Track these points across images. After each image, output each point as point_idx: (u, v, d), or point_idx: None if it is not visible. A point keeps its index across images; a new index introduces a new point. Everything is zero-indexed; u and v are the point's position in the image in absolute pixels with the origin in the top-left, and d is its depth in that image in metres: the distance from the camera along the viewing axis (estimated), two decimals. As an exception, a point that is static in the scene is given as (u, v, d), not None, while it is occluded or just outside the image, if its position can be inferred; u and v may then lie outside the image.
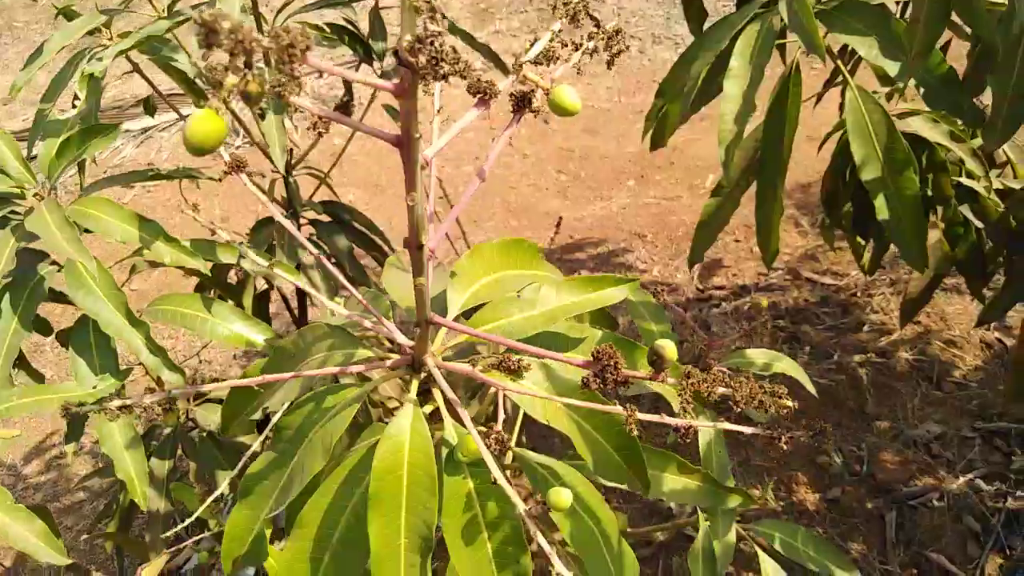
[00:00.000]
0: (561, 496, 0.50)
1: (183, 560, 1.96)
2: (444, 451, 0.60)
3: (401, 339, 0.64)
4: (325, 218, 1.59)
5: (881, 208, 1.20)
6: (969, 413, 2.42)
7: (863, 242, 1.59)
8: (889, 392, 2.46)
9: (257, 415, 0.70)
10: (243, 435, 0.68)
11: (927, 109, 1.42)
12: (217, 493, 1.24)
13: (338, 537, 0.60)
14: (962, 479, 2.19)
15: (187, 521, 1.19)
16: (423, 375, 0.62)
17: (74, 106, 1.24)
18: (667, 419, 0.48)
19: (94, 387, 1.15)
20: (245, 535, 0.63)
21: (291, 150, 1.54)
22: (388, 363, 0.62)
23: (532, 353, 0.53)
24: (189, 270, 1.53)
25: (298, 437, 0.62)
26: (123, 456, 1.16)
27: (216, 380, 0.60)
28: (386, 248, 1.68)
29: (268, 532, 0.63)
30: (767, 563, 0.93)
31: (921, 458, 2.28)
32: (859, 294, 2.74)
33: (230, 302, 1.33)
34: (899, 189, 1.19)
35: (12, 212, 1.19)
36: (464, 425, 0.55)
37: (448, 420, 0.61)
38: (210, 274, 1.23)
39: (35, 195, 1.15)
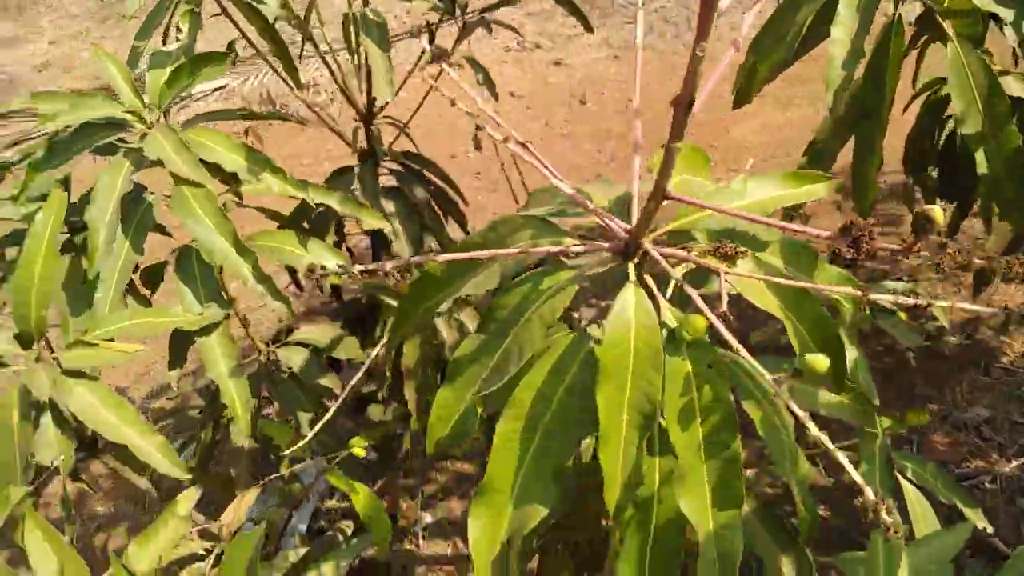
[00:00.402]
0: (819, 360, 0.52)
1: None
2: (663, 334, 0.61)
3: (617, 224, 0.64)
4: (405, 168, 1.60)
5: (981, 163, 1.20)
6: (1018, 399, 2.41)
7: (945, 206, 1.59)
8: (937, 376, 2.46)
9: (445, 306, 0.70)
10: (413, 335, 0.68)
11: (1018, 70, 1.42)
12: (310, 436, 1.25)
13: (550, 416, 0.61)
14: (1015, 463, 2.18)
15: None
16: (636, 260, 0.62)
17: (176, 39, 1.26)
18: (903, 299, 0.49)
19: (200, 314, 1.17)
20: (449, 416, 0.64)
21: (372, 99, 1.55)
22: (605, 246, 0.62)
23: (775, 226, 0.54)
24: (270, 215, 1.54)
25: (513, 317, 0.62)
26: (227, 383, 1.18)
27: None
28: (461, 205, 1.69)
29: (479, 410, 0.63)
30: (909, 488, 0.95)
31: (972, 440, 2.27)
32: (905, 279, 2.73)
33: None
34: (1000, 143, 1.19)
35: (120, 140, 1.20)
36: (693, 306, 0.55)
37: (663, 304, 0.61)
38: (311, 205, 1.24)
39: (146, 122, 1.16)
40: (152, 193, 1.26)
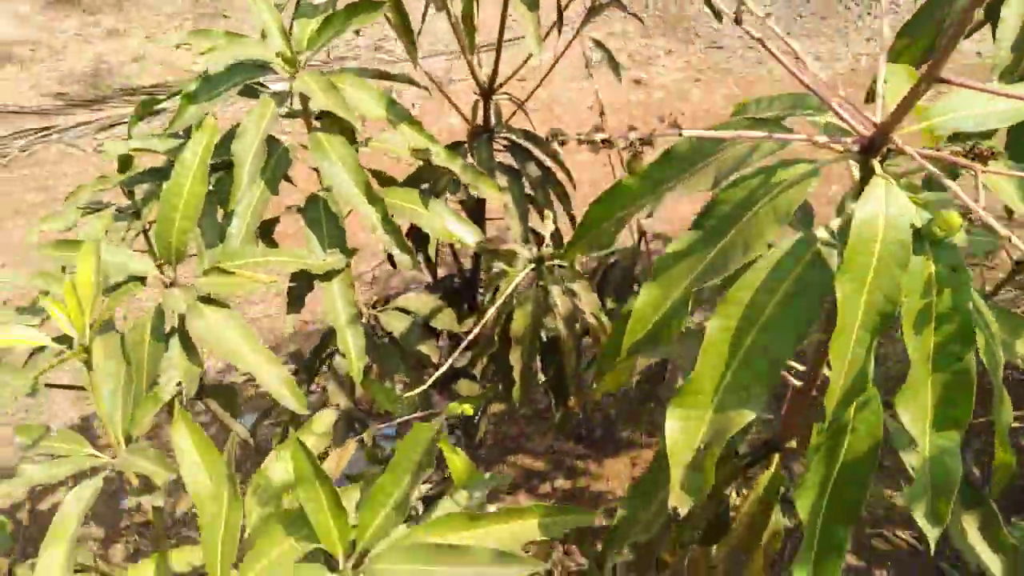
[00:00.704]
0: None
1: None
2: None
3: (861, 119, 0.60)
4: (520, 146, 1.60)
5: None
6: None
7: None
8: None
9: (643, 213, 0.68)
10: (604, 246, 0.66)
11: None
12: (422, 389, 1.24)
13: (766, 319, 0.58)
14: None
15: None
16: (880, 157, 0.59)
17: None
18: None
19: (324, 260, 1.17)
20: (652, 315, 0.62)
21: (495, 74, 1.56)
22: (848, 140, 0.59)
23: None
24: (382, 181, 1.55)
25: (738, 212, 0.59)
26: (345, 331, 1.18)
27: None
28: (569, 188, 1.67)
29: (686, 311, 0.61)
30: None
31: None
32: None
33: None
34: None
35: (259, 84, 1.23)
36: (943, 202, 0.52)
37: (908, 201, 0.58)
38: (441, 167, 1.25)
39: (295, 65, 1.18)
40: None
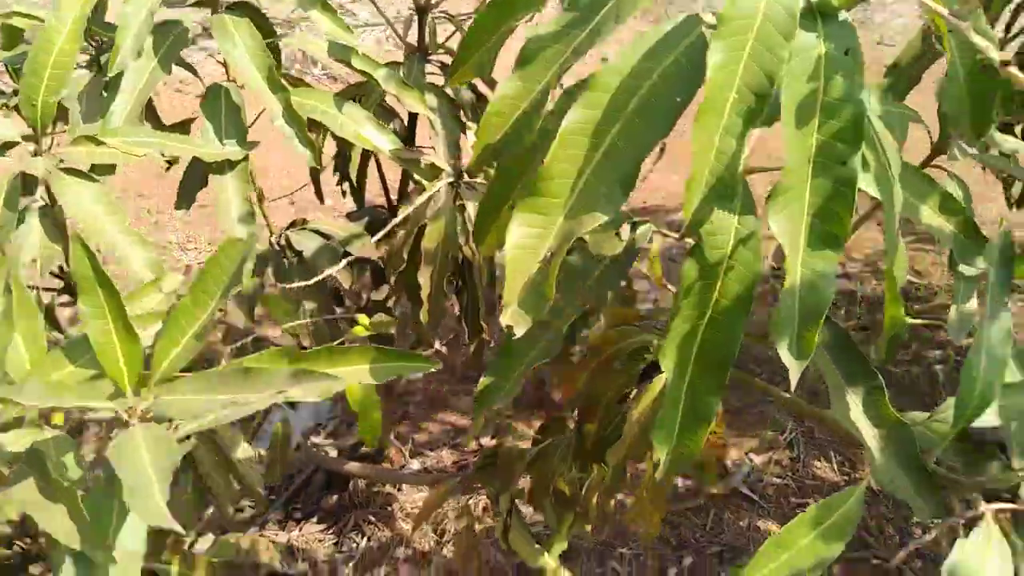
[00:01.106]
0: None
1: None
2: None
3: None
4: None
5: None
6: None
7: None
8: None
9: (528, 16, 0.61)
10: (486, 69, 0.58)
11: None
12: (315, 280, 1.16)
13: (635, 106, 0.51)
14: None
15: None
16: None
17: None
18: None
19: (220, 150, 1.08)
20: (511, 112, 0.54)
21: (429, -8, 1.48)
22: None
23: None
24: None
25: None
26: (233, 228, 1.09)
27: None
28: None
29: (543, 110, 0.53)
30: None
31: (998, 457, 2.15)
32: (940, 292, 2.64)
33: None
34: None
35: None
36: None
37: None
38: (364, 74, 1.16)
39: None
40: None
